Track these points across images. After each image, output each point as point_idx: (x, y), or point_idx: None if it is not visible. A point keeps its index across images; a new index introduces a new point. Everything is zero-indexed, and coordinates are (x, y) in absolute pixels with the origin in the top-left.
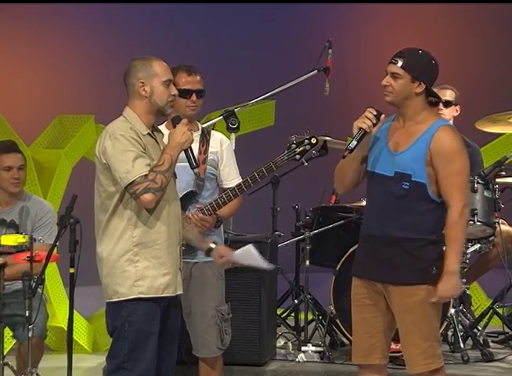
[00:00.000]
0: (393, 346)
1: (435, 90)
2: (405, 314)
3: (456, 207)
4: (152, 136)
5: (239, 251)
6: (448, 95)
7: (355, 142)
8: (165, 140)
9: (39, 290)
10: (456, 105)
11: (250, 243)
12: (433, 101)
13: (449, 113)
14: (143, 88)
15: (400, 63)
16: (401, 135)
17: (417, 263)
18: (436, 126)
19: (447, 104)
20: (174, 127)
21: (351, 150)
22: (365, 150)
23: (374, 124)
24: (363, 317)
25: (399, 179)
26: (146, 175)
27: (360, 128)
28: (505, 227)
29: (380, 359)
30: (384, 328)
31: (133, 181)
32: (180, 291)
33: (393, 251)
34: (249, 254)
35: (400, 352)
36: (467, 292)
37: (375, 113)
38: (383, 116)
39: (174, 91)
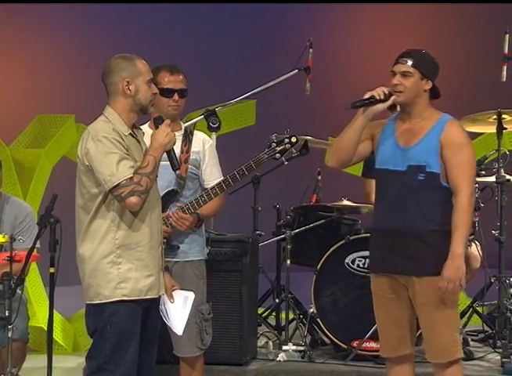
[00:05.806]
0: (373, 345)
1: None
2: (428, 304)
3: (465, 194)
4: (133, 136)
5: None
6: None
7: (361, 103)
8: (147, 140)
9: (19, 291)
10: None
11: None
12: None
13: None
14: (128, 86)
15: (410, 62)
16: (409, 132)
17: (438, 253)
18: (444, 119)
19: None
20: (157, 127)
21: (354, 106)
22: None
23: (384, 100)
24: (389, 311)
25: (414, 172)
26: (131, 178)
27: (372, 95)
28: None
29: (410, 348)
30: (409, 318)
31: (118, 184)
32: (163, 292)
33: (413, 243)
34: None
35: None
36: None
37: (387, 91)
38: (393, 97)
39: (155, 90)
